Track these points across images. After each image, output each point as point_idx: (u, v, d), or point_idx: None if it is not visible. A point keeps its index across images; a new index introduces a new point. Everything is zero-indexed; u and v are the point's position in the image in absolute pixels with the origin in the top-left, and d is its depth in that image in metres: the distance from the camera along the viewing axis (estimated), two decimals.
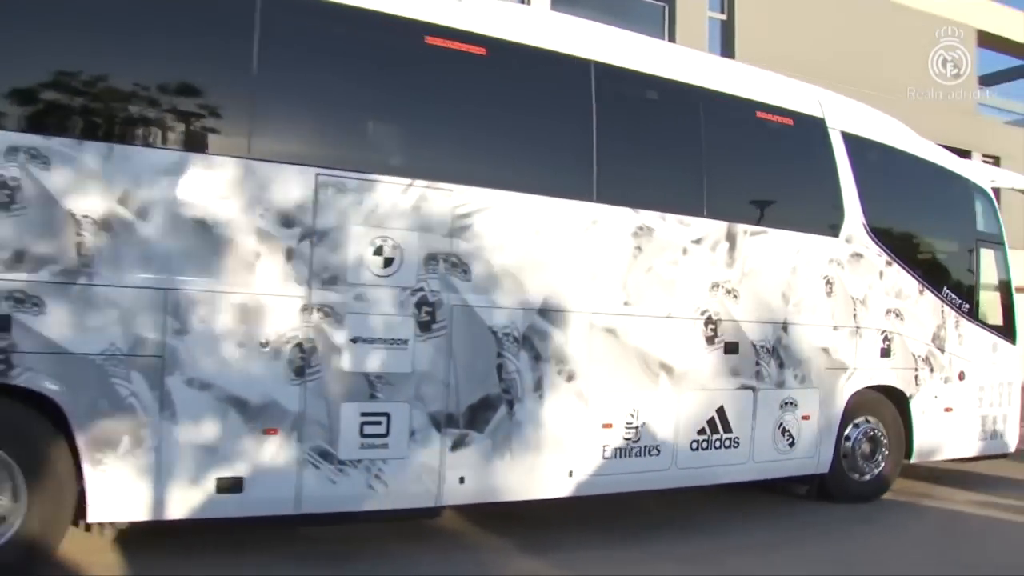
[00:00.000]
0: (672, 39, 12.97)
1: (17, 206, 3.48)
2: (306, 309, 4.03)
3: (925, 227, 6.79)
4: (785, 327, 5.74)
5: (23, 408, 3.51)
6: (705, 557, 4.65)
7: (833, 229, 6.03)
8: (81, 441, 3.56)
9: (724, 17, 14.92)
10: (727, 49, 14.23)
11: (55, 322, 3.52)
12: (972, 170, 7.14)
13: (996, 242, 7.07)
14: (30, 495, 3.50)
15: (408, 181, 4.29)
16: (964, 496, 6.52)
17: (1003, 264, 7.09)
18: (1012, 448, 7.13)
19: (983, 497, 6.47)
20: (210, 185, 3.83)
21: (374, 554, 4.37)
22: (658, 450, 5.16)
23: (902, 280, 6.36)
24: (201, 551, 4.09)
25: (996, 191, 7.28)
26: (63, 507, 3.57)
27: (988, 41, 19.62)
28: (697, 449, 5.33)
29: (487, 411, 4.51)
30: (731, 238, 5.48)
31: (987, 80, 21.65)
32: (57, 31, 3.65)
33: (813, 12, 15.28)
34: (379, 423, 4.19)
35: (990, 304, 6.98)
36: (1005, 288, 7.11)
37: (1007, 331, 7.04)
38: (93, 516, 3.60)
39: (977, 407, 6.82)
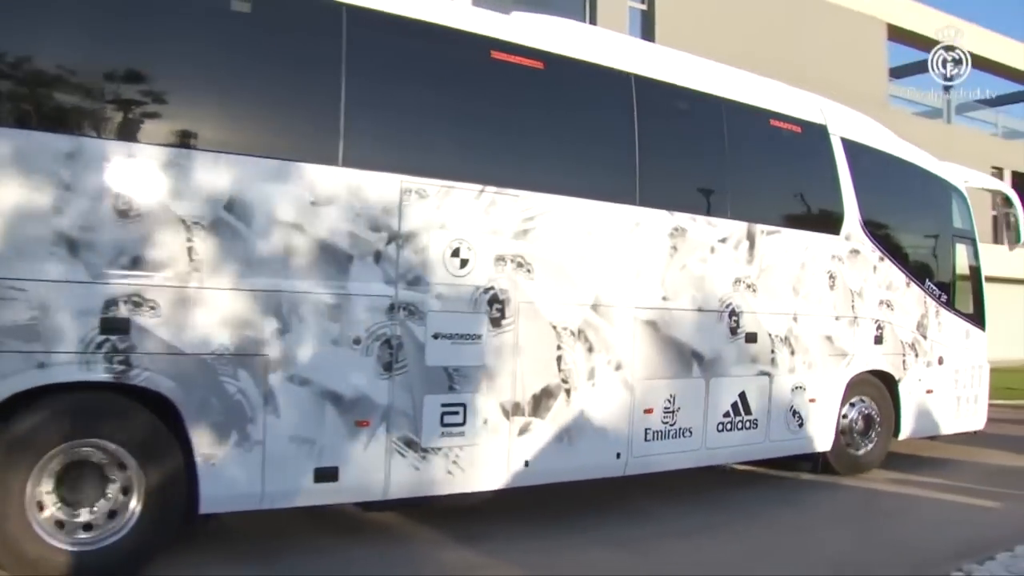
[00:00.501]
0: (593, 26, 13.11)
1: (133, 212, 3.60)
2: (393, 308, 4.25)
3: (910, 225, 7.37)
4: (795, 318, 6.21)
5: (139, 406, 3.62)
6: (639, 542, 4.61)
7: (835, 228, 6.53)
8: (194, 438, 3.72)
9: (644, 7, 15.17)
10: (647, 38, 14.32)
11: (169, 324, 3.65)
12: (948, 171, 7.76)
13: (969, 237, 7.73)
14: (146, 491, 3.64)
15: (480, 187, 4.55)
16: (883, 475, 6.72)
17: (974, 257, 7.77)
18: (982, 425, 7.82)
19: (900, 475, 6.73)
20: (306, 192, 4.00)
21: (306, 549, 4.26)
22: (691, 432, 5.56)
23: (892, 274, 6.92)
24: None
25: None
26: (176, 502, 3.71)
27: (898, 35, 20.60)
28: (723, 431, 5.76)
29: (548, 399, 4.82)
30: (751, 237, 5.90)
31: (897, 72, 22.75)
32: (173, 59, 3.76)
33: (731, 2, 15.65)
34: (457, 413, 4.46)
35: (963, 294, 7.63)
36: (976, 279, 7.79)
37: (977, 319, 7.72)
38: (204, 508, 3.76)
39: (953, 388, 7.47)
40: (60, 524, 3.54)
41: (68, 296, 3.47)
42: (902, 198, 7.29)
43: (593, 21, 13.72)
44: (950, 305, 7.46)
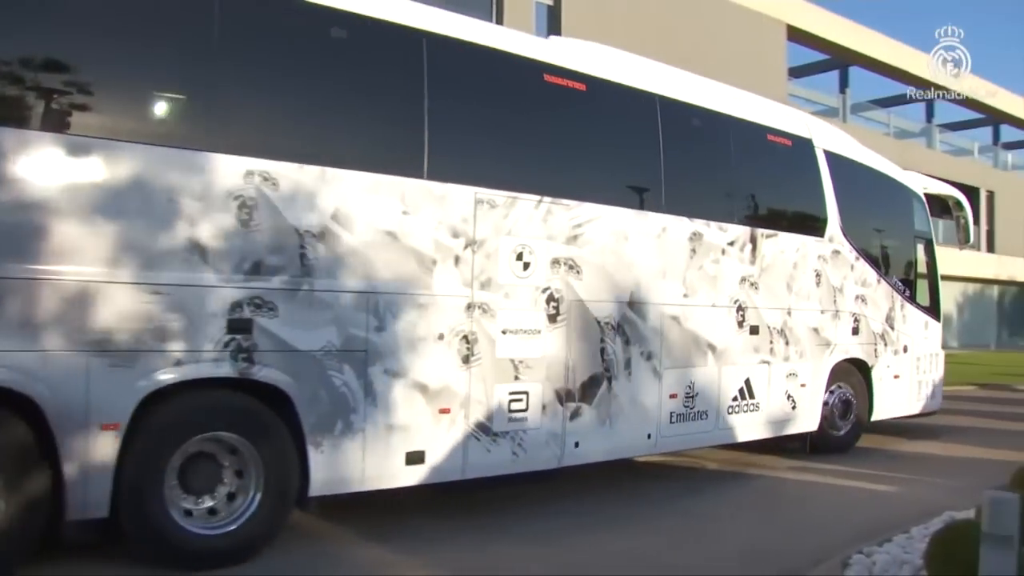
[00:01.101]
0: (500, 22, 12.94)
1: (254, 223, 3.92)
2: (469, 307, 4.69)
3: (880, 227, 8.20)
4: (789, 312, 6.90)
5: (256, 399, 3.94)
6: (550, 535, 4.63)
7: (820, 231, 7.26)
8: (306, 427, 4.08)
9: (551, 2, 15.30)
10: (553, 33, 14.02)
11: (285, 323, 4.00)
12: (910, 179, 8.62)
13: (927, 238, 8.62)
14: (265, 478, 3.98)
15: (539, 198, 5.01)
16: (785, 463, 6.89)
17: (932, 256, 8.68)
18: (938, 407, 8.74)
19: (803, 463, 6.92)
20: (398, 202, 4.39)
21: None
22: (706, 415, 6.17)
23: (866, 271, 7.72)
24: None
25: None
26: (290, 487, 4.06)
27: (797, 36, 21.74)
28: (731, 413, 6.40)
29: (594, 387, 5.34)
30: (753, 240, 6.55)
31: (796, 72, 24.07)
32: (285, 82, 4.09)
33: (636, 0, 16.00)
34: (521, 400, 4.92)
35: (923, 289, 8.51)
36: (932, 276, 8.70)
37: (934, 311, 8.65)
38: (314, 492, 4.11)
39: (915, 374, 8.36)
40: (188, 512, 3.84)
41: (201, 299, 3.78)
42: (873, 203, 8.10)
43: (499, 15, 13.51)
44: (912, 299, 8.35)
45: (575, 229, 5.23)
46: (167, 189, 3.72)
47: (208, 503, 3.90)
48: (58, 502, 3.47)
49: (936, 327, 8.70)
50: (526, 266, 4.96)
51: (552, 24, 15.10)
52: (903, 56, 25.09)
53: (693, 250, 6.06)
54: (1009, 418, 10.35)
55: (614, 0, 15.53)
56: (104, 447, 3.55)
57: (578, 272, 5.25)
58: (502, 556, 4.21)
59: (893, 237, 8.38)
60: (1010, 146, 33.30)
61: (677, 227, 5.93)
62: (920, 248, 8.61)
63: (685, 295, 6.00)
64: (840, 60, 25.08)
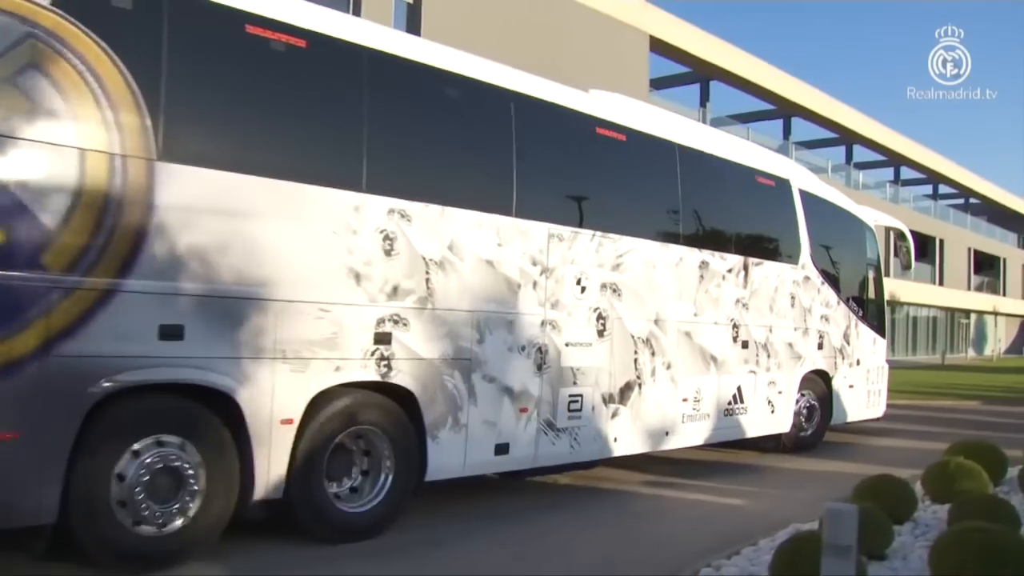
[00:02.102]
0: (357, 15, 12.76)
1: (395, 252, 4.98)
2: (543, 323, 5.89)
3: (840, 255, 9.88)
4: (771, 329, 8.42)
5: (390, 399, 4.98)
6: (405, 550, 4.74)
7: (795, 259, 8.83)
8: (427, 423, 5.15)
9: (411, 0, 15.59)
10: (412, 31, 14.23)
11: (414, 336, 5.07)
12: (862, 212, 10.39)
13: (876, 265, 10.40)
14: (396, 465, 5.03)
15: (592, 232, 6.25)
16: (639, 478, 7.22)
17: (879, 281, 10.45)
18: (882, 414, 10.53)
19: (656, 478, 7.30)
20: (495, 236, 5.54)
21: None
22: (708, 416, 7.57)
23: (829, 295, 9.37)
24: None
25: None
26: (413, 473, 5.13)
27: (660, 48, 22.89)
28: (727, 416, 7.83)
29: (629, 391, 6.61)
30: (745, 267, 8.02)
31: (658, 84, 25.30)
32: (419, 135, 5.21)
33: (498, 3, 16.29)
34: (577, 401, 6.14)
35: (872, 310, 10.28)
36: (880, 298, 10.50)
37: (880, 328, 10.44)
38: (429, 477, 5.18)
39: (866, 384, 10.10)
40: (336, 495, 4.85)
41: (355, 316, 4.80)
42: (835, 235, 9.79)
43: (357, 11, 13.53)
44: (863, 318, 10.08)
45: (618, 258, 6.52)
46: (333, 224, 4.75)
47: (347, 485, 4.91)
48: (246, 485, 4.41)
49: (882, 343, 10.50)
50: (583, 289, 6.20)
51: (411, 22, 15.06)
52: (763, 72, 27.01)
53: (701, 276, 7.45)
54: (880, 433, 10.73)
55: (475, 3, 15.62)
56: (283, 439, 4.53)
57: (619, 294, 6.53)
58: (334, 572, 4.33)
59: (850, 264, 10.11)
60: (862, 166, 36.97)
61: (690, 257, 7.31)
62: (870, 273, 10.40)
63: (695, 314, 7.39)
64: (701, 74, 26.34)
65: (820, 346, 9.26)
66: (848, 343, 9.76)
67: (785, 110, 30.18)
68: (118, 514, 4.05)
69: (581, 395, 6.19)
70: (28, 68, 3.82)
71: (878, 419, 10.59)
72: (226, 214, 4.34)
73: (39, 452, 3.80)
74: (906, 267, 11.15)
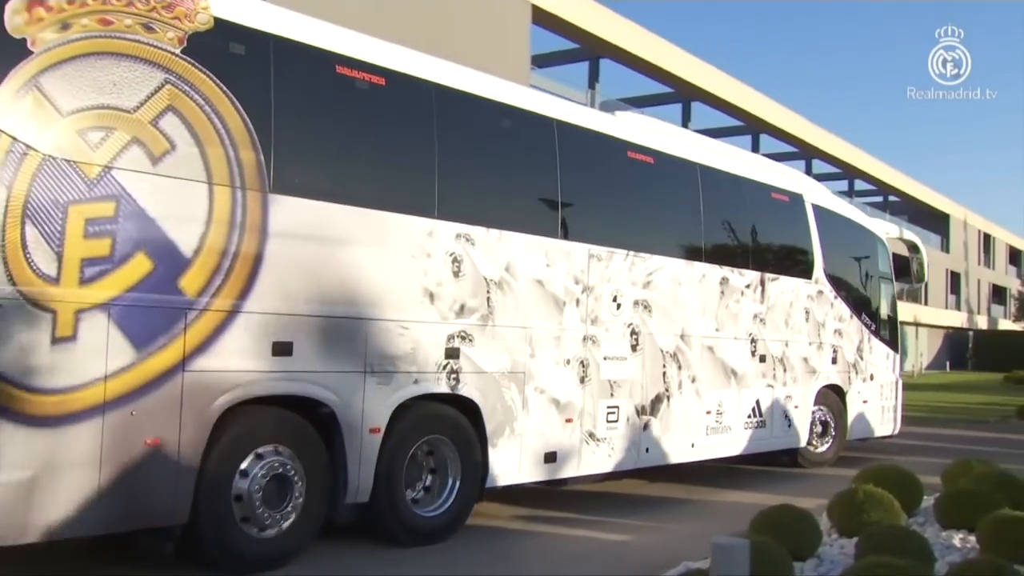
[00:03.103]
0: None
1: (462, 274, 6.50)
2: (585, 339, 7.48)
3: (852, 269, 11.76)
4: (787, 343, 10.18)
5: (457, 410, 6.46)
6: None
7: (809, 274, 10.62)
8: (488, 431, 6.67)
9: None
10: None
11: (478, 351, 6.59)
12: (874, 225, 12.29)
13: (888, 278, 12.31)
14: (462, 472, 6.54)
15: (627, 252, 7.86)
16: (509, 512, 7.58)
17: (892, 294, 12.35)
18: (897, 430, 12.40)
19: (529, 511, 7.65)
20: (544, 257, 7.09)
21: None
22: (730, 428, 9.26)
23: (842, 309, 11.22)
24: None
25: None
26: (477, 480, 6.63)
27: (544, 19, 23.19)
28: (746, 428, 9.55)
29: (658, 403, 8.24)
30: (762, 283, 9.77)
31: (541, 61, 25.86)
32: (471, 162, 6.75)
33: None
34: (614, 412, 7.75)
35: (885, 324, 12.16)
36: (893, 312, 12.40)
37: (893, 343, 12.35)
38: (490, 484, 6.67)
39: (879, 400, 11.94)
40: (415, 500, 6.30)
41: (429, 333, 6.29)
42: (847, 248, 11.66)
43: None
44: (877, 333, 11.96)
45: (648, 276, 8.17)
46: (412, 248, 6.26)
47: (420, 488, 6.36)
48: (338, 490, 5.82)
49: (895, 357, 12.43)
50: (618, 306, 7.81)
51: None
52: (661, 51, 27.32)
53: (722, 292, 9.15)
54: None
55: None
56: (371, 446, 6.02)
57: (649, 311, 8.16)
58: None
59: (863, 277, 12.00)
60: (770, 158, 38.39)
61: (712, 274, 9.02)
62: (884, 287, 12.29)
63: (716, 329, 9.07)
64: (591, 50, 26.59)
65: (834, 360, 11.07)
66: (862, 358, 11.61)
67: (685, 94, 30.64)
68: (238, 516, 5.45)
69: (618, 406, 7.81)
70: (166, 111, 5.23)
71: (891, 437, 12.47)
72: (324, 241, 5.81)
73: (176, 458, 5.19)
74: (918, 281, 13.11)
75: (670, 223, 8.86)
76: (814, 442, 11.06)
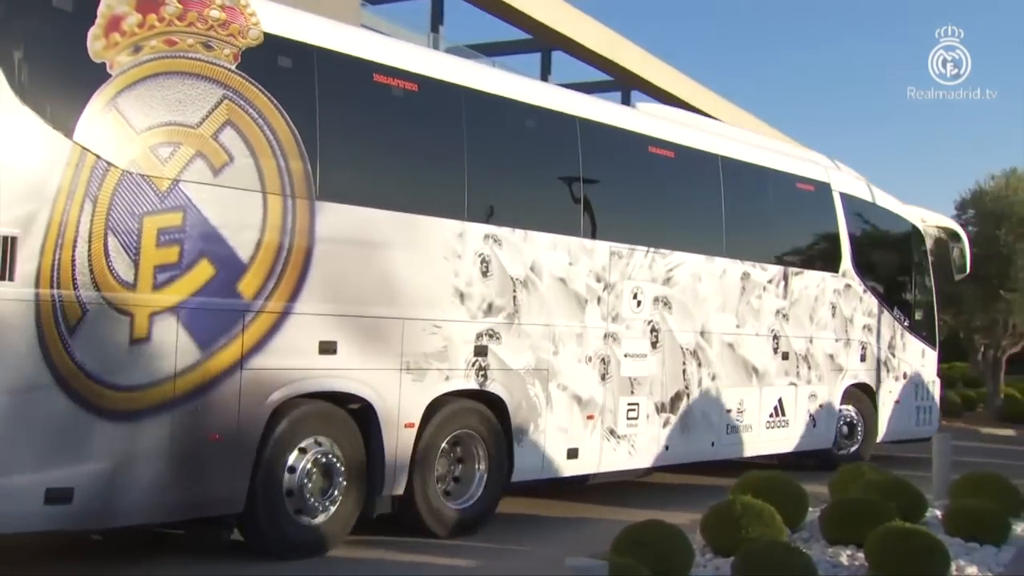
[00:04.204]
0: None
1: (490, 274, 8.25)
2: (606, 336, 9.27)
3: (884, 260, 13.62)
4: (811, 340, 12.03)
5: (484, 406, 8.20)
6: None
7: (835, 267, 12.45)
8: (514, 427, 8.44)
9: None
10: None
11: (505, 349, 8.37)
12: (908, 212, 14.13)
13: (925, 270, 14.17)
14: (489, 466, 8.30)
15: (647, 248, 9.62)
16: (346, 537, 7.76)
17: (929, 287, 14.21)
18: (935, 431, 14.26)
19: (364, 537, 7.89)
20: (566, 255, 8.85)
21: None
22: (751, 427, 11.12)
23: (872, 303, 13.09)
24: None
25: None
26: (503, 474, 8.39)
27: None
28: (769, 428, 11.43)
29: (678, 401, 10.07)
30: (785, 278, 11.60)
31: None
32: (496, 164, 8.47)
33: None
34: (634, 410, 9.55)
35: (921, 318, 14.00)
36: (929, 305, 14.25)
37: (930, 339, 14.29)
38: (516, 478, 8.41)
39: (914, 399, 13.82)
40: (448, 493, 8.05)
41: (460, 332, 8.04)
42: (879, 239, 13.53)
43: None
44: (911, 328, 13.82)
45: (668, 273, 9.96)
46: (444, 250, 7.99)
47: (450, 480, 8.11)
48: (375, 482, 7.53)
49: (932, 355, 14.36)
50: (639, 303, 9.58)
51: None
52: None
53: (743, 288, 10.95)
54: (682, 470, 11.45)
55: None
56: (406, 440, 7.79)
57: (669, 307, 9.95)
58: None
59: (895, 269, 13.88)
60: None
61: (733, 269, 10.82)
62: (919, 279, 14.12)
63: (737, 326, 10.89)
64: None
65: (863, 358, 12.93)
66: (893, 355, 13.47)
67: (546, 41, 31.33)
68: (287, 505, 7.15)
69: (638, 404, 9.62)
70: (225, 126, 6.89)
71: (929, 439, 14.31)
72: (364, 244, 7.56)
73: (234, 451, 6.89)
74: (960, 271, 14.94)
75: (691, 218, 10.77)
76: (843, 443, 12.91)
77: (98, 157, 6.37)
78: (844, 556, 6.90)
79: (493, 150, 8.68)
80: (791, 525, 7.22)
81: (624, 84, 34.70)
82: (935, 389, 14.61)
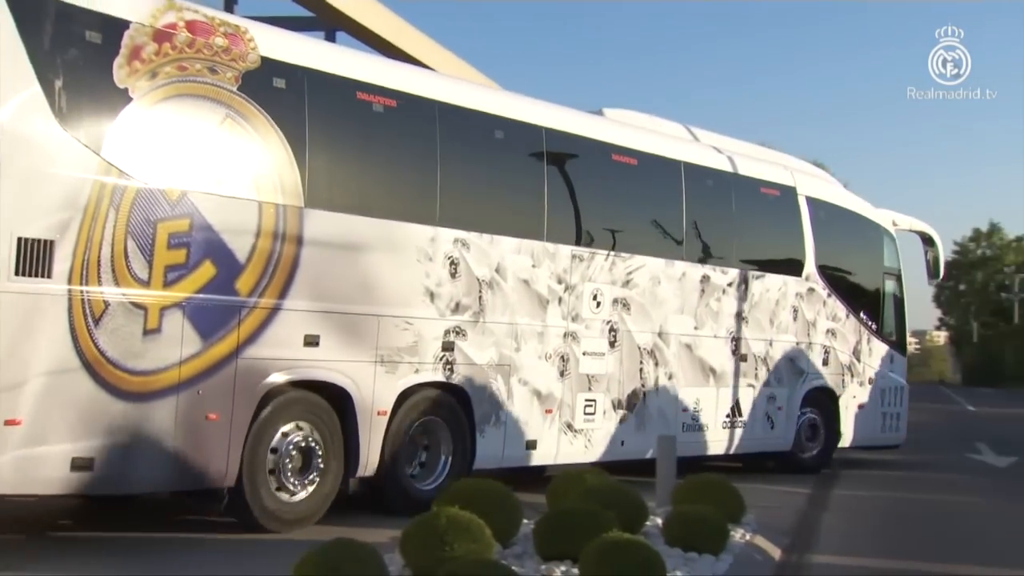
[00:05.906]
0: None
1: (457, 275, 10.82)
2: (565, 335, 11.95)
3: (851, 265, 16.36)
4: (771, 343, 14.73)
5: (451, 396, 10.75)
6: None
7: (798, 271, 15.11)
8: (477, 418, 11.06)
9: None
10: None
11: (470, 345, 10.96)
12: (878, 215, 16.80)
13: (895, 274, 16.87)
14: (453, 451, 10.90)
15: (607, 252, 12.23)
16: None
17: (900, 291, 16.96)
18: (902, 440, 16.97)
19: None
20: (529, 258, 11.41)
21: None
22: (708, 427, 13.82)
23: (837, 307, 15.81)
24: None
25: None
26: (466, 460, 10.97)
27: None
28: (725, 428, 14.09)
29: (634, 399, 12.74)
30: (745, 280, 14.27)
31: None
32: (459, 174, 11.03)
33: None
34: (591, 405, 12.26)
35: (889, 323, 16.71)
36: (899, 310, 17.03)
37: (900, 345, 17.07)
38: (477, 465, 11.00)
39: (879, 406, 16.54)
40: (413, 476, 10.61)
41: (430, 328, 10.58)
42: (846, 242, 16.30)
43: None
44: (879, 333, 16.54)
45: (628, 275, 12.59)
46: (416, 253, 10.49)
47: (416, 463, 10.63)
48: (350, 465, 10.02)
49: (901, 360, 17.15)
50: (598, 304, 12.18)
51: None
52: None
53: (703, 290, 13.60)
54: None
55: None
56: (379, 426, 10.38)
57: (628, 309, 12.57)
58: None
59: (863, 273, 16.59)
60: None
61: (693, 272, 13.49)
62: (889, 284, 16.82)
63: (695, 327, 13.54)
64: None
65: (825, 362, 15.62)
66: (859, 360, 16.17)
67: None
68: (270, 482, 9.60)
69: (595, 400, 12.25)
70: (228, 141, 9.33)
71: (897, 447, 17.01)
72: (346, 247, 10.09)
73: (230, 430, 9.35)
74: (933, 277, 17.64)
75: (652, 223, 13.43)
76: (804, 446, 15.55)
77: (121, 171, 8.83)
78: (558, 572, 7.37)
79: (464, 159, 11.28)
80: (503, 539, 7.66)
81: (327, 24, 34.68)
82: (903, 395, 17.37)
